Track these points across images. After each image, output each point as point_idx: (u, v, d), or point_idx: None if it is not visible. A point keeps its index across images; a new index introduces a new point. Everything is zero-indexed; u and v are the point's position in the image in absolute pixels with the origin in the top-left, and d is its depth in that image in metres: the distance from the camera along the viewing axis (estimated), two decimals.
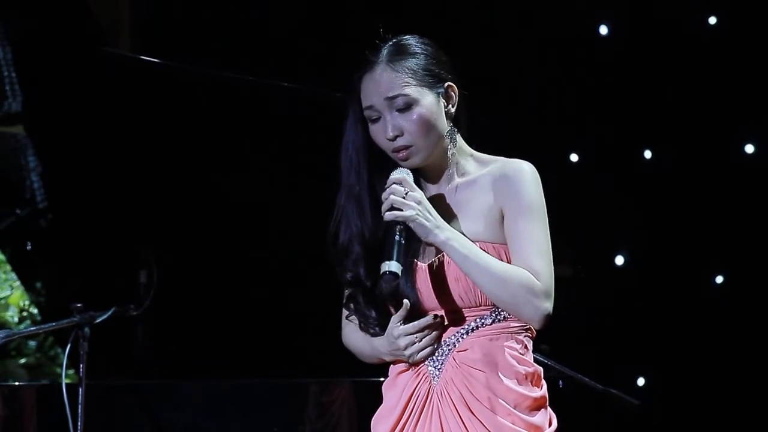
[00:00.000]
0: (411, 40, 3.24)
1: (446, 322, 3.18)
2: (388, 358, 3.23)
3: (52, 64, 5.73)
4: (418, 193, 3.14)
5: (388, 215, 3.11)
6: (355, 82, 3.24)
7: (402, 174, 3.16)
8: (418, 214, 3.10)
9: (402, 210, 3.11)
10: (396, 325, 3.16)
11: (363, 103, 3.22)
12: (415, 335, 3.14)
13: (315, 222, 3.40)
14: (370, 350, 3.25)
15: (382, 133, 3.19)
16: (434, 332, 3.16)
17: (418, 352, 3.15)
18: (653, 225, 7.21)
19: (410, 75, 3.19)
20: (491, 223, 3.17)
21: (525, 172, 3.19)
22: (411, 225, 3.11)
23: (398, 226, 3.11)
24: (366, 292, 3.22)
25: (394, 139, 3.17)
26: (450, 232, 3.12)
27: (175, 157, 5.74)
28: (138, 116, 5.66)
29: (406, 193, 3.12)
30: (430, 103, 3.19)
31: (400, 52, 3.22)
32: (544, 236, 3.15)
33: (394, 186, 3.13)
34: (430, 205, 3.14)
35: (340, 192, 3.26)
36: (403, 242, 3.10)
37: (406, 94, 3.18)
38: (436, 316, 3.16)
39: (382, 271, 3.08)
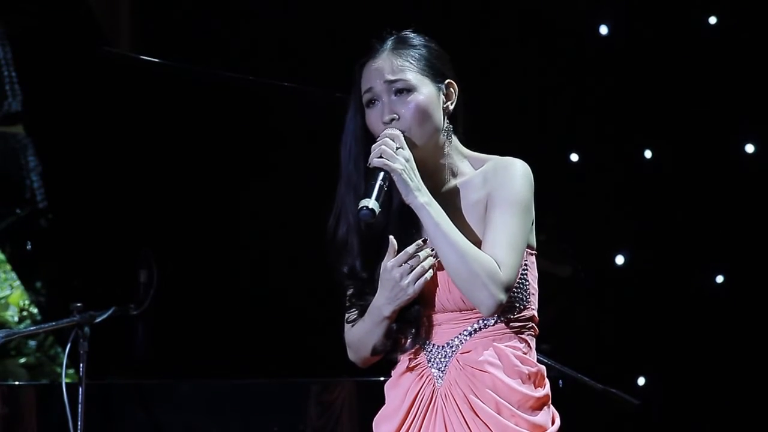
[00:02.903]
0: (416, 35, 3.26)
1: (449, 326, 3.16)
2: (387, 311, 3.13)
3: (52, 64, 5.73)
4: (408, 153, 3.12)
5: (377, 162, 3.09)
6: (357, 70, 3.24)
7: (395, 131, 3.14)
8: (404, 171, 3.09)
9: (390, 162, 3.09)
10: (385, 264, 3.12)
11: (362, 88, 3.21)
12: (408, 264, 3.09)
13: (315, 222, 3.40)
14: (370, 321, 3.17)
15: (377, 117, 3.18)
16: (428, 260, 3.10)
17: (416, 280, 3.09)
18: (653, 225, 7.20)
19: (413, 62, 3.20)
20: (483, 222, 3.16)
21: (515, 168, 3.18)
22: (395, 179, 3.09)
23: (383, 173, 3.09)
24: (364, 286, 3.20)
25: (390, 122, 3.16)
26: (429, 198, 3.10)
27: (175, 157, 5.73)
28: (138, 116, 5.66)
29: (396, 149, 3.11)
30: (429, 92, 3.19)
31: (405, 43, 3.23)
32: (520, 232, 3.13)
33: (386, 139, 3.12)
34: (416, 168, 3.12)
35: (339, 184, 3.24)
36: (385, 188, 3.08)
37: (407, 79, 3.18)
38: (424, 240, 3.12)
39: (359, 206, 3.05)
